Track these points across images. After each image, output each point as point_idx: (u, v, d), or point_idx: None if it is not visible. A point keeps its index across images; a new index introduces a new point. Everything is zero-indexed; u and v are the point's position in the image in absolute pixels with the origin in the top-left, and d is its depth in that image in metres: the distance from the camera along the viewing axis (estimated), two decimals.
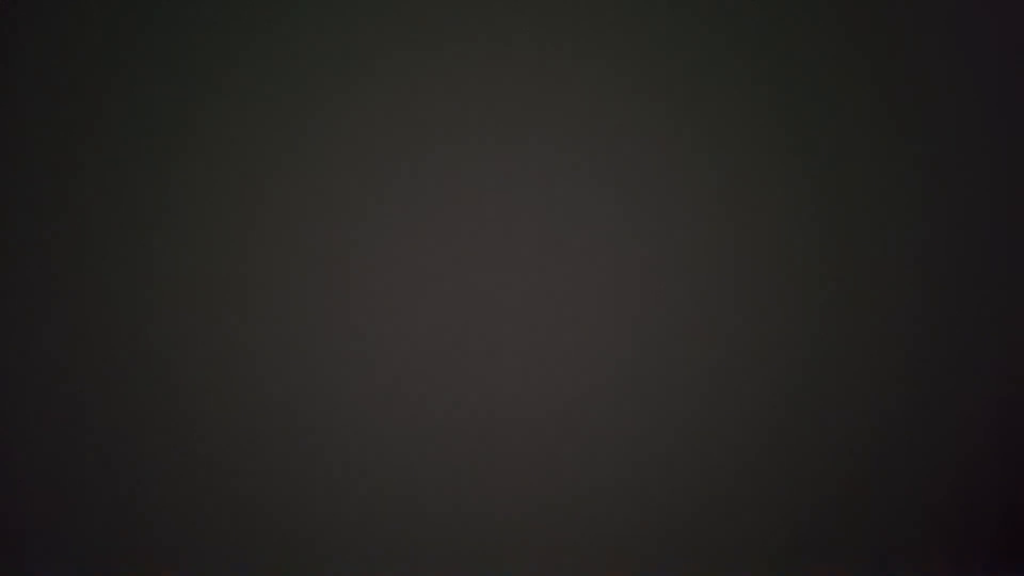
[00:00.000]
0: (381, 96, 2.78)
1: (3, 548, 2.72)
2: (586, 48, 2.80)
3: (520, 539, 2.77)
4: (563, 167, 2.80)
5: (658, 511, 2.79)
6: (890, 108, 2.84)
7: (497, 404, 2.77)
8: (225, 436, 2.74)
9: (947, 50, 2.85)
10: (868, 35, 2.84)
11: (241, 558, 2.74)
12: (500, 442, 2.77)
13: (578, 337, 2.79)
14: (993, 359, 2.84)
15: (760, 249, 2.81)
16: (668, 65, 2.81)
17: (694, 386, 2.80)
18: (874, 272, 2.83)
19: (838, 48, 2.83)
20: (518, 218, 2.79)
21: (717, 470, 2.80)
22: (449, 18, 2.79)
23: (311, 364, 2.76)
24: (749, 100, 2.82)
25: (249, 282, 2.76)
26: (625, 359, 2.79)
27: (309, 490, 2.75)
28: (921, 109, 2.85)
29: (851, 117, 2.83)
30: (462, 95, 2.79)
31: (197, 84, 2.76)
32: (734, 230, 2.81)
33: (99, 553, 2.73)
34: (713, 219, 2.81)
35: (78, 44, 2.75)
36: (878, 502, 2.82)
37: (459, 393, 2.77)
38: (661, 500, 2.79)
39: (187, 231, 2.75)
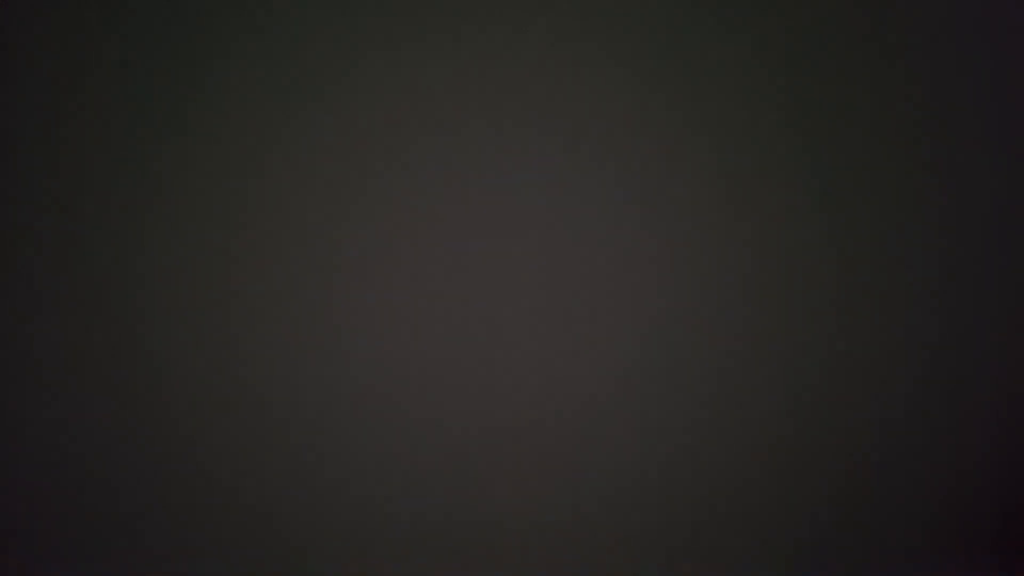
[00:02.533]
0: (382, 94, 2.78)
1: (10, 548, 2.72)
2: (592, 45, 2.80)
3: (522, 542, 2.77)
4: (568, 166, 2.80)
5: (661, 513, 2.79)
6: (895, 110, 2.84)
7: (499, 406, 2.77)
8: (224, 437, 2.74)
9: (955, 48, 2.85)
10: (879, 36, 2.84)
11: (240, 559, 2.75)
12: (502, 445, 2.77)
13: (583, 338, 2.79)
14: (993, 360, 2.84)
15: (765, 251, 2.81)
16: (674, 64, 2.81)
17: (698, 388, 2.80)
18: (877, 275, 2.83)
19: (846, 47, 2.83)
20: (522, 218, 2.79)
21: (719, 472, 2.80)
22: (452, 14, 2.79)
23: (310, 365, 2.76)
24: (758, 101, 2.82)
25: (247, 282, 2.76)
26: (630, 360, 2.79)
27: (309, 492, 2.75)
28: (924, 110, 2.85)
29: (858, 121, 2.83)
30: (465, 93, 2.79)
31: (194, 83, 2.76)
32: (741, 231, 2.81)
33: (95, 554, 2.73)
34: (721, 220, 2.81)
35: (73, 42, 2.75)
36: (879, 503, 2.82)
37: (461, 395, 2.77)
38: (664, 502, 2.79)
39: (184, 230, 2.75)
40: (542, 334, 2.78)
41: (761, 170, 2.82)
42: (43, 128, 2.74)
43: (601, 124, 2.80)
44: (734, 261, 2.81)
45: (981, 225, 2.85)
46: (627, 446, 2.79)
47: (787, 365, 2.81)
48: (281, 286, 2.76)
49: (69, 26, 2.75)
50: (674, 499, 2.79)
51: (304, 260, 2.76)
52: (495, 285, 2.79)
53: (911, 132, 2.85)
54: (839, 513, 2.81)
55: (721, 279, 2.81)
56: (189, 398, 2.74)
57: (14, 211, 2.73)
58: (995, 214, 2.85)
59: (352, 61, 2.78)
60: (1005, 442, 2.83)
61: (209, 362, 2.74)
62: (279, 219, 2.76)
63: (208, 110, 2.76)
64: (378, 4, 2.78)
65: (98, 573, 2.73)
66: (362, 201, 2.78)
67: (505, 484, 2.77)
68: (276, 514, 2.75)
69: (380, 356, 2.76)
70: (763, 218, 2.82)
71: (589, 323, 2.79)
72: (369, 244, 2.77)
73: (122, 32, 2.75)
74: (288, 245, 2.76)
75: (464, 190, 2.79)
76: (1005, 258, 2.85)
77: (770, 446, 2.80)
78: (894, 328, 2.83)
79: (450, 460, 2.77)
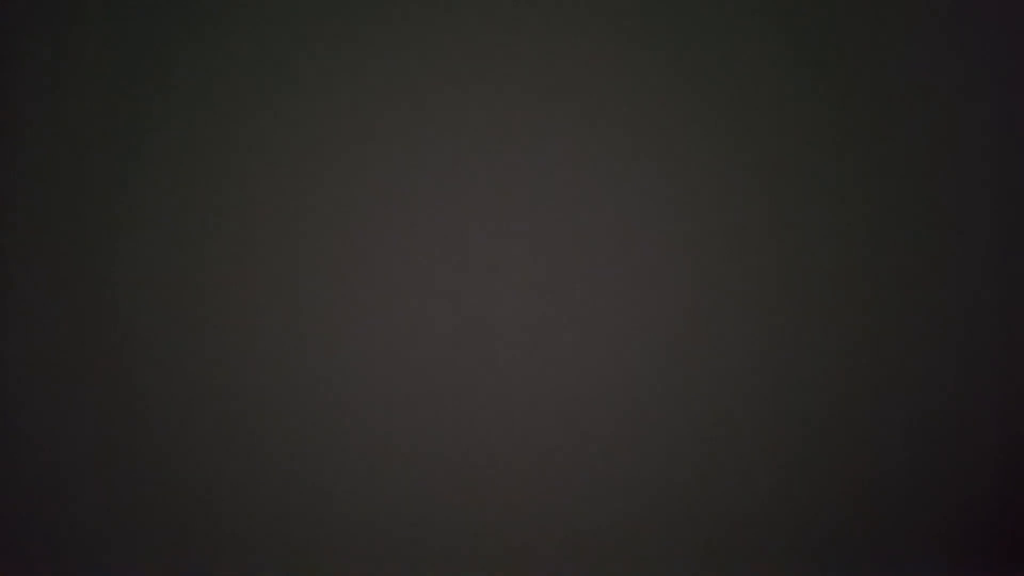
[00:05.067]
0: (382, 93, 2.78)
1: (12, 548, 2.73)
2: (595, 44, 2.80)
3: (523, 542, 2.77)
4: (569, 167, 2.80)
5: (662, 514, 2.79)
6: (906, 111, 2.84)
7: (500, 406, 2.77)
8: (223, 437, 2.74)
9: (957, 49, 2.85)
10: (889, 35, 2.84)
11: (239, 558, 2.75)
12: (502, 444, 2.77)
13: (585, 339, 2.79)
14: (994, 360, 2.84)
15: (771, 253, 2.81)
16: (677, 64, 2.81)
17: (701, 389, 2.80)
18: (877, 275, 2.83)
19: (855, 46, 2.83)
20: (526, 219, 2.79)
21: (721, 472, 2.79)
22: (454, 14, 2.79)
23: (310, 364, 2.76)
24: (766, 100, 2.82)
25: (246, 282, 2.76)
26: (634, 362, 2.79)
27: (307, 494, 2.75)
28: (933, 110, 2.84)
29: (868, 121, 2.83)
30: (466, 92, 2.79)
31: (191, 83, 2.76)
32: (749, 232, 2.81)
33: (96, 553, 2.74)
34: (729, 221, 2.81)
35: (67, 40, 2.75)
36: (879, 503, 2.81)
37: (461, 395, 2.77)
38: (665, 503, 2.79)
39: (184, 230, 2.75)
40: (546, 336, 2.78)
41: (769, 170, 2.82)
42: (37, 127, 2.75)
43: (606, 125, 2.80)
44: (741, 262, 2.81)
45: (981, 225, 2.85)
46: (630, 447, 2.79)
47: (786, 367, 2.81)
48: (277, 286, 2.76)
49: (62, 24, 2.75)
50: (675, 500, 2.79)
51: (301, 260, 2.76)
52: (497, 286, 2.78)
53: (921, 131, 2.84)
54: (839, 514, 2.81)
55: (728, 280, 2.81)
56: (186, 399, 2.74)
57: (8, 212, 2.74)
58: (994, 213, 2.85)
59: (352, 59, 2.78)
60: (1005, 442, 2.82)
61: (213, 362, 2.74)
62: (275, 218, 2.76)
63: (206, 109, 2.76)
64: (382, 9, 2.78)
65: (95, 574, 2.73)
66: (360, 201, 2.77)
67: (508, 486, 2.77)
68: (274, 515, 2.75)
69: (379, 357, 2.76)
70: (771, 218, 2.81)
71: (593, 324, 2.79)
72: (368, 244, 2.77)
73: (118, 29, 2.76)
74: (284, 245, 2.76)
75: (468, 190, 2.79)
76: (1007, 257, 2.84)
77: (772, 447, 2.80)
78: (896, 329, 2.83)
79: (451, 462, 2.77)
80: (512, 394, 2.77)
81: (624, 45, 2.80)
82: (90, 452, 2.73)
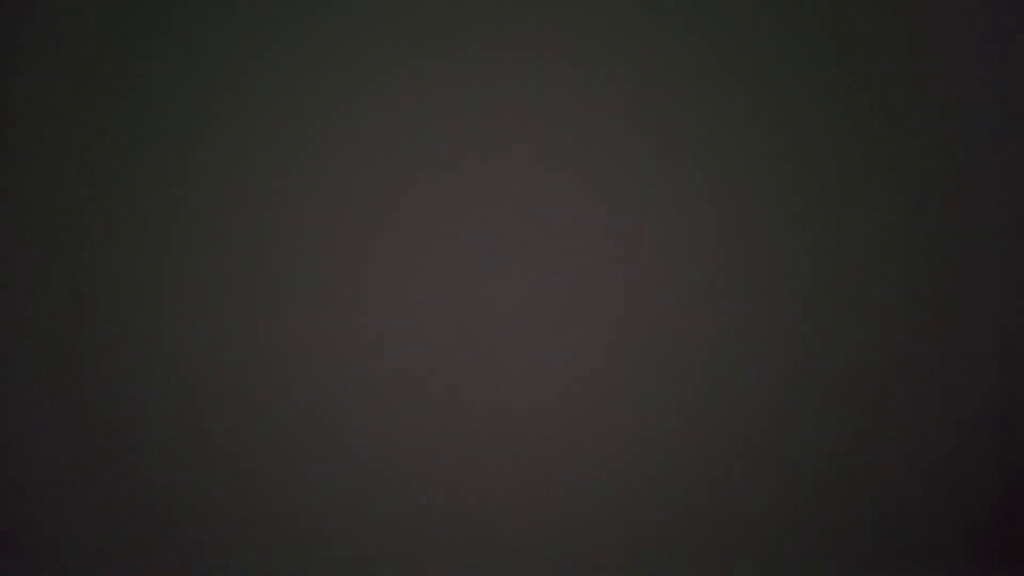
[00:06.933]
0: (384, 94, 2.78)
1: (10, 548, 2.72)
2: (587, 48, 2.80)
3: (522, 545, 2.77)
4: (564, 168, 2.80)
5: (666, 516, 2.79)
6: (886, 111, 2.84)
7: (499, 408, 2.77)
8: (226, 437, 2.74)
9: (949, 50, 2.85)
10: (880, 39, 2.84)
11: (244, 558, 2.75)
12: (502, 442, 2.77)
13: (580, 337, 2.79)
14: (992, 358, 2.84)
15: (757, 250, 2.81)
16: (667, 66, 2.81)
17: (690, 388, 2.80)
18: (873, 272, 2.83)
19: (846, 49, 2.83)
20: (519, 218, 2.79)
21: (713, 471, 2.80)
22: (451, 18, 2.79)
23: (305, 365, 2.76)
24: (748, 102, 2.82)
25: (240, 282, 2.76)
26: (624, 359, 2.79)
27: (313, 491, 2.75)
28: (925, 115, 2.85)
29: (855, 123, 2.83)
30: (461, 93, 2.79)
31: (203, 84, 2.76)
32: (736, 233, 2.81)
33: (107, 555, 2.73)
34: (717, 222, 2.81)
35: (83, 43, 2.75)
36: (876, 503, 2.82)
37: (460, 392, 2.77)
38: (659, 502, 2.79)
39: (195, 231, 2.75)
40: (546, 336, 2.78)
41: (756, 172, 2.82)
42: (42, 128, 2.74)
43: (603, 126, 2.80)
44: (743, 264, 2.81)
45: (981, 223, 2.85)
46: (628, 445, 2.79)
47: (781, 364, 2.81)
48: (272, 287, 2.76)
49: (70, 27, 2.75)
50: (669, 499, 2.79)
51: (297, 261, 2.76)
52: (496, 286, 2.79)
53: (911, 135, 2.85)
54: (835, 513, 2.81)
55: (731, 283, 2.81)
56: (199, 397, 2.74)
57: (24, 212, 2.74)
58: (993, 211, 2.85)
59: (352, 62, 2.78)
60: (1005, 441, 2.83)
61: (220, 362, 2.74)
62: (268, 219, 2.76)
63: (216, 112, 2.76)
64: (378, 7, 2.78)
65: (109, 573, 2.73)
66: (355, 200, 2.78)
67: (508, 484, 2.77)
68: (271, 515, 2.75)
69: (376, 356, 2.76)
70: (778, 219, 2.82)
71: (594, 324, 2.79)
72: (364, 245, 2.77)
73: (132, 28, 2.75)
74: (299, 246, 2.76)
75: (465, 191, 2.79)
76: (1006, 255, 2.85)
77: (765, 446, 2.80)
78: (891, 326, 2.83)
79: (452, 460, 2.77)
80: (512, 395, 2.77)
81: (630, 42, 2.80)
82: (79, 454, 2.73)
